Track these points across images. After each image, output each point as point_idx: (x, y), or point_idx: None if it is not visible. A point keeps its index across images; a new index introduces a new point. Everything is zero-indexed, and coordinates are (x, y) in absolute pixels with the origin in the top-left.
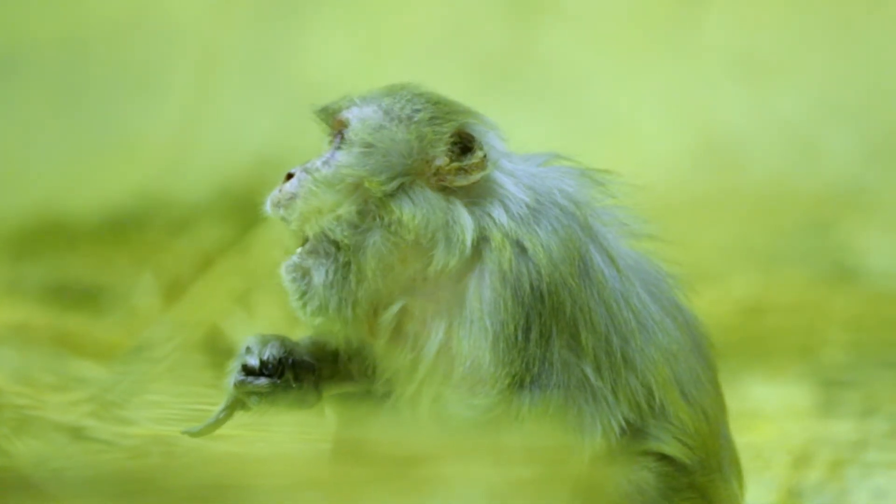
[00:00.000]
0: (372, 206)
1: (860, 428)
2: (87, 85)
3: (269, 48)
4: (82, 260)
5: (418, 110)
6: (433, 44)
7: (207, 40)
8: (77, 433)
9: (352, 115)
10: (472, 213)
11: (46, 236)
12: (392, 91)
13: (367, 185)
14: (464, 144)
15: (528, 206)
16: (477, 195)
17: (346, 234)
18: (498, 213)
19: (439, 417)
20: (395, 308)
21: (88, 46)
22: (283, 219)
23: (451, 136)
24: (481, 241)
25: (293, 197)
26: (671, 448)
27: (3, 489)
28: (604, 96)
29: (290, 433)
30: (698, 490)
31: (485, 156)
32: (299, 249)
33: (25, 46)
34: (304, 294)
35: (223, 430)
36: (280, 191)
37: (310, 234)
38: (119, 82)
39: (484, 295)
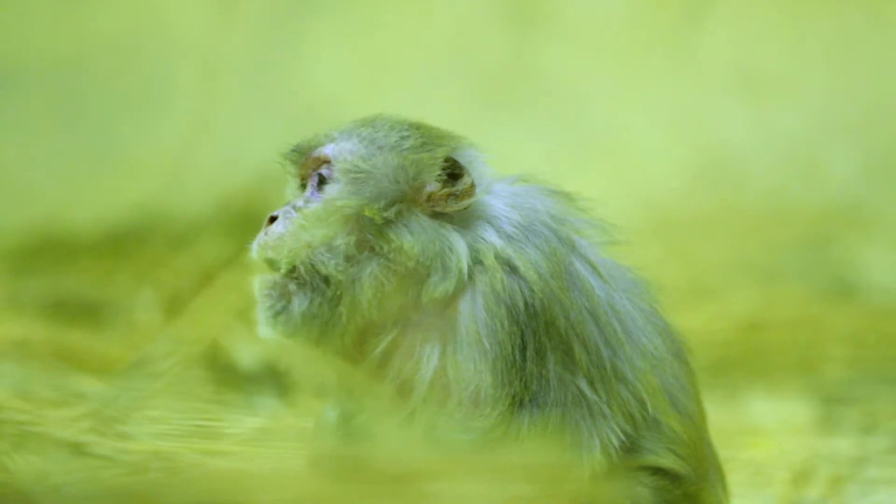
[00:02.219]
0: (369, 236)
1: (860, 444)
2: (87, 100)
3: (270, 64)
4: (82, 275)
5: (406, 137)
6: (433, 58)
7: (208, 56)
8: (77, 449)
9: (332, 150)
10: (464, 237)
11: (46, 251)
12: (367, 122)
13: (366, 213)
14: (452, 171)
15: (517, 225)
16: (466, 219)
17: (339, 267)
18: (489, 234)
19: (436, 439)
20: (386, 338)
21: (89, 62)
22: (270, 261)
23: (443, 163)
24: (475, 262)
25: (281, 236)
26: (665, 460)
27: None
28: (603, 112)
29: (290, 449)
30: (691, 500)
31: (473, 182)
32: (283, 272)
33: (26, 62)
34: (277, 314)
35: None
36: (266, 233)
37: (300, 268)
38: (120, 98)
39: (478, 317)
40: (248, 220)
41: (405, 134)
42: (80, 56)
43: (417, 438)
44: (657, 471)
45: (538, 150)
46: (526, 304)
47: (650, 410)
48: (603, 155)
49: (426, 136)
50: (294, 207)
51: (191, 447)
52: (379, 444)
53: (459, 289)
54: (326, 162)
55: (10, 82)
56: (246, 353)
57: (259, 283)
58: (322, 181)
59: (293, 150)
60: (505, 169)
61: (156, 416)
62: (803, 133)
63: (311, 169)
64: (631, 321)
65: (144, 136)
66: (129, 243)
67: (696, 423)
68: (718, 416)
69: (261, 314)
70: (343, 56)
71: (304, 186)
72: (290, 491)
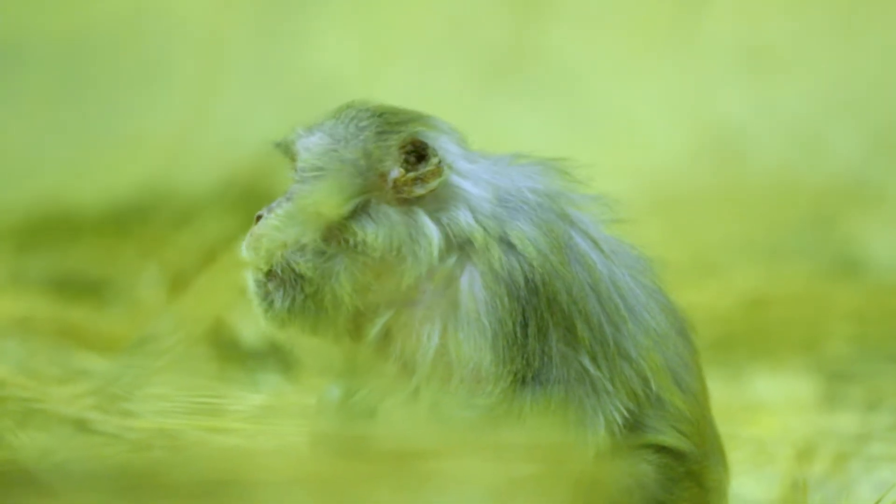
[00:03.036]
0: (335, 231)
1: (864, 421)
2: (91, 78)
3: (273, 41)
4: (86, 252)
5: (364, 127)
6: (436, 40)
7: (212, 33)
8: (81, 426)
9: (300, 146)
10: (436, 220)
11: (50, 229)
12: (337, 113)
13: (323, 210)
14: (417, 153)
15: (492, 201)
16: (439, 201)
17: (311, 264)
18: (464, 214)
19: (439, 417)
20: (380, 322)
21: (93, 40)
22: (253, 261)
23: (402, 147)
24: (464, 243)
25: (259, 238)
26: (669, 438)
27: (6, 482)
28: (607, 90)
29: (294, 427)
30: (694, 478)
31: (440, 161)
32: (263, 268)
33: (30, 40)
34: (265, 311)
35: (228, 423)
36: (251, 234)
37: (277, 268)
38: (123, 76)
39: (478, 295)
40: (250, 197)
41: (364, 123)
42: (83, 34)
43: (420, 417)
44: (661, 449)
45: (541, 130)
46: (526, 280)
47: (653, 388)
48: (606, 133)
49: (386, 123)
50: (270, 208)
51: (194, 424)
52: (382, 422)
53: (457, 268)
54: (297, 158)
55: (14, 60)
56: (249, 330)
57: (247, 281)
58: (298, 176)
59: (276, 147)
60: (508, 148)
61: (159, 393)
62: (807, 110)
63: (292, 163)
64: (633, 297)
65: (148, 114)
66: (132, 221)
67: (700, 400)
68: (721, 393)
69: (255, 309)
70: (346, 35)
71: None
72: (294, 468)
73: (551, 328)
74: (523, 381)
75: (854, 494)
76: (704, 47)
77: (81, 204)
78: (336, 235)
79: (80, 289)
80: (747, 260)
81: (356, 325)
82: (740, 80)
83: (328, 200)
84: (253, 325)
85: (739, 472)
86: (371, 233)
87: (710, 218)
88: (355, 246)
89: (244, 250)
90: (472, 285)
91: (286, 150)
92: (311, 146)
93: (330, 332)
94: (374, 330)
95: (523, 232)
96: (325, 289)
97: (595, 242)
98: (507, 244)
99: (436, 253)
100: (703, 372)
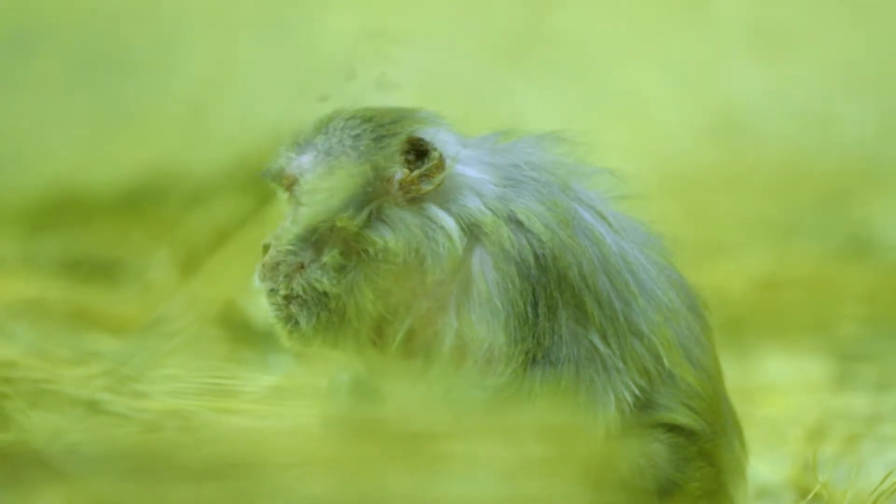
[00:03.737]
0: (352, 244)
1: (875, 402)
2: (102, 60)
3: (286, 22)
4: (98, 234)
5: (358, 136)
6: (449, 17)
7: (223, 14)
8: (92, 407)
9: (294, 168)
10: (448, 211)
11: (62, 210)
12: (322, 126)
13: (338, 224)
14: (417, 151)
15: (496, 182)
16: (446, 192)
17: (333, 281)
18: (472, 200)
19: (452, 398)
20: (404, 325)
21: (105, 21)
22: (272, 290)
23: (403, 148)
24: (472, 227)
25: (275, 266)
26: (681, 416)
27: (17, 463)
28: (619, 70)
29: (306, 408)
30: (706, 457)
31: (440, 155)
32: (283, 292)
33: (41, 22)
34: (290, 332)
35: (240, 404)
36: (262, 265)
37: (298, 291)
38: (134, 57)
39: (489, 276)
40: (262, 178)
41: (358, 133)
42: (94, 16)
43: (432, 398)
44: (672, 427)
45: (554, 109)
46: (536, 257)
47: (665, 364)
48: (618, 113)
49: (379, 127)
50: (277, 236)
51: (206, 405)
52: (393, 404)
53: (468, 252)
54: (294, 181)
55: (25, 42)
56: (261, 311)
57: (266, 306)
58: (299, 198)
59: (265, 176)
60: (522, 130)
61: (171, 374)
62: (819, 90)
63: (286, 188)
64: (644, 273)
65: (160, 95)
66: (144, 202)
67: (712, 377)
68: (733, 374)
69: (278, 332)
70: (359, 15)
71: (290, 202)
72: (306, 450)
73: (561, 307)
74: (534, 361)
75: (865, 474)
76: (716, 27)
77: (93, 186)
78: (354, 248)
79: (91, 270)
80: (759, 240)
81: (378, 331)
82: (752, 59)
83: (341, 215)
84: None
85: (751, 453)
86: (390, 239)
87: (720, 198)
88: (375, 255)
89: (259, 283)
90: (482, 267)
91: (277, 176)
92: (308, 166)
93: (353, 344)
94: (398, 334)
95: (529, 209)
96: (349, 302)
97: (603, 217)
98: (516, 222)
99: (457, 243)
100: (716, 349)
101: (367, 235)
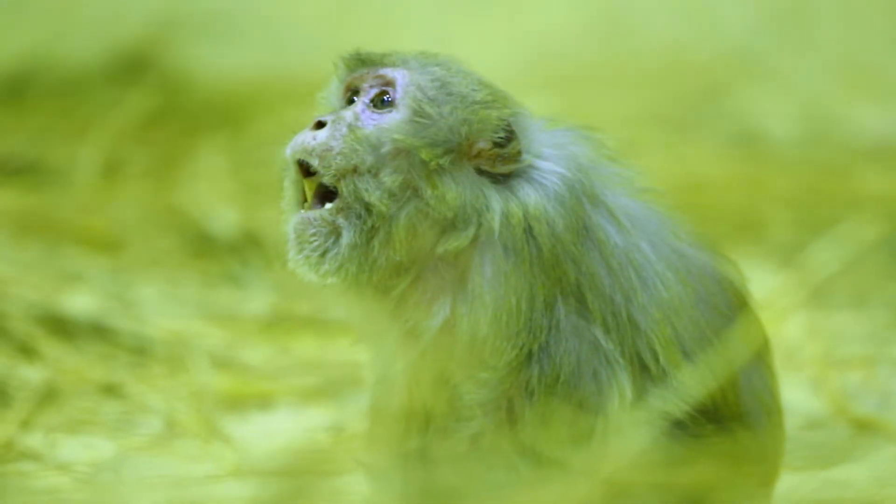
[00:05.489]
0: (416, 178)
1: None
2: None
3: None
4: None
5: (475, 90)
6: None
7: None
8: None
9: (403, 77)
10: (501, 193)
11: None
12: (442, 62)
13: (423, 156)
14: (507, 132)
15: (560, 184)
16: (506, 180)
17: (383, 199)
18: (526, 193)
19: (445, 394)
20: (403, 282)
21: None
22: (311, 167)
23: (500, 125)
24: (504, 221)
25: (330, 150)
26: (678, 409)
27: None
28: None
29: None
30: (711, 446)
31: (520, 149)
32: (328, 205)
33: None
34: (325, 252)
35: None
36: (314, 139)
37: (344, 190)
38: None
39: (485, 270)
40: (138, 67)
41: (475, 87)
42: None
43: (425, 393)
44: (672, 420)
45: (431, 6)
46: (532, 260)
47: (661, 361)
48: (493, 8)
49: (494, 94)
50: (349, 125)
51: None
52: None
53: (473, 243)
54: (391, 85)
55: None
56: (221, 223)
57: (301, 222)
58: (381, 103)
59: (355, 58)
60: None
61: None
62: None
63: (370, 85)
64: (649, 268)
65: None
66: (19, 93)
67: (716, 371)
68: None
69: (303, 255)
70: None
71: (351, 98)
72: None
73: (560, 302)
74: (529, 354)
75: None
76: None
77: None
78: (414, 182)
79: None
80: (650, 135)
81: (382, 281)
82: None
83: (430, 148)
84: (223, 217)
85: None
86: (452, 192)
87: (603, 93)
88: (430, 199)
89: (296, 150)
90: (482, 260)
91: (372, 66)
92: (423, 86)
93: (363, 284)
94: (395, 290)
95: (546, 214)
96: (382, 228)
97: (611, 213)
98: (526, 223)
99: (497, 227)
100: (733, 337)
101: (435, 179)
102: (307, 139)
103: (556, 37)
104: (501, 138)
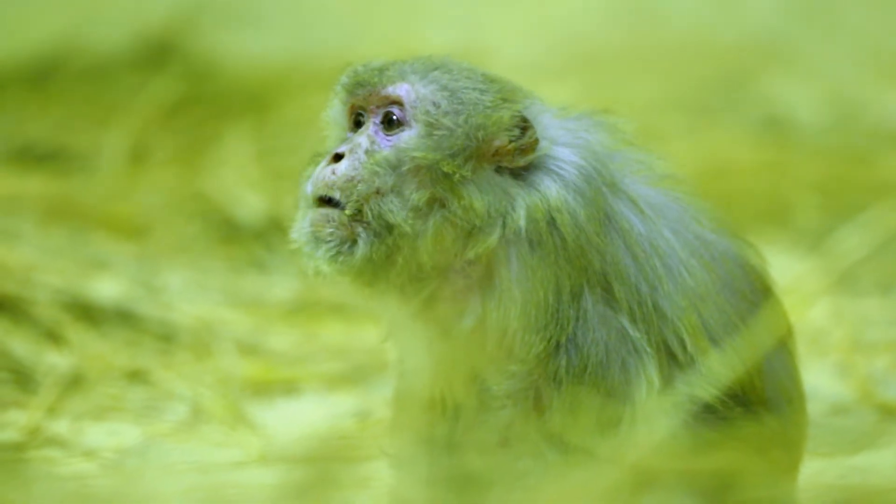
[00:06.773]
0: (440, 191)
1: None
2: None
3: None
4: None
5: (484, 91)
6: None
7: None
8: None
9: (408, 93)
10: (523, 189)
11: None
12: (441, 66)
13: (445, 169)
14: (521, 126)
15: (577, 176)
16: (525, 171)
17: (407, 219)
18: (547, 185)
19: (474, 387)
20: (429, 285)
21: None
22: (328, 200)
23: (513, 121)
24: (530, 214)
25: (351, 179)
26: (706, 395)
27: None
28: None
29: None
30: (738, 431)
31: (536, 137)
32: (350, 212)
33: None
34: (338, 254)
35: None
36: (333, 173)
37: (368, 215)
38: None
39: (512, 265)
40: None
41: (483, 87)
42: None
43: (458, 386)
44: (699, 405)
45: None
46: (557, 252)
47: (688, 349)
48: None
49: (503, 92)
50: (367, 151)
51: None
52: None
53: (499, 241)
54: (398, 103)
55: None
56: (246, 209)
57: (317, 219)
58: (391, 123)
59: (353, 81)
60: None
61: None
62: None
63: (377, 106)
64: (673, 256)
65: None
66: (49, 78)
67: (744, 357)
68: None
69: (319, 252)
70: None
71: (357, 119)
72: None
73: (587, 292)
74: (557, 346)
75: None
76: None
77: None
78: (439, 196)
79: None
80: (675, 121)
81: (406, 284)
82: None
83: (448, 160)
84: (249, 203)
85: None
86: (478, 200)
87: (627, 79)
88: (456, 209)
89: (317, 186)
90: (508, 255)
91: (374, 88)
92: (430, 98)
93: (382, 287)
94: (421, 293)
95: (568, 205)
96: (407, 245)
97: (635, 204)
98: (550, 216)
99: (523, 224)
100: (764, 319)
101: (461, 189)
102: (327, 175)
103: (580, 22)
104: (517, 132)
